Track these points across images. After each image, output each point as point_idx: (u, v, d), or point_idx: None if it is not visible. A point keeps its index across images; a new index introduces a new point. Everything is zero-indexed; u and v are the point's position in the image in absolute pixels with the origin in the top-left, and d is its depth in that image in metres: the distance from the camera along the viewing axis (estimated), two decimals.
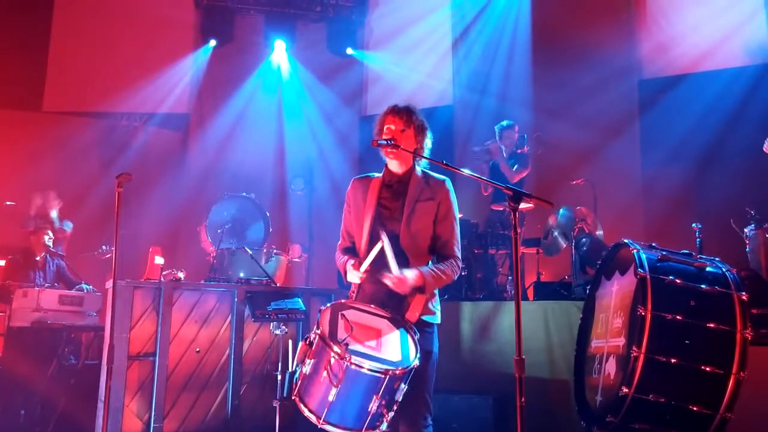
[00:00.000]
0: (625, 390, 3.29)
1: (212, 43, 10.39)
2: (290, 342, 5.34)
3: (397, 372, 2.82)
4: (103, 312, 6.60)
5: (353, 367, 2.76)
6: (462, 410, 5.07)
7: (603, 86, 7.94)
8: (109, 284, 5.39)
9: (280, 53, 10.61)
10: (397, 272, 3.03)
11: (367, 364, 2.78)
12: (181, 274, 5.58)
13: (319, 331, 2.89)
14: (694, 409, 3.26)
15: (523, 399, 2.61)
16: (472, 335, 5.79)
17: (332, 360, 2.80)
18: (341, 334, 2.90)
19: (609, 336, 3.81)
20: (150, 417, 5.14)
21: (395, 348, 2.95)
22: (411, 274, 3.06)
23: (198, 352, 5.41)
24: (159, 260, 5.69)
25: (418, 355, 2.95)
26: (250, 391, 5.61)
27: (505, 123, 7.31)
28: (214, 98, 10.23)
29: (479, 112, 9.09)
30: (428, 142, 3.37)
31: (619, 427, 3.43)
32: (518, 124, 7.35)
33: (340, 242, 3.47)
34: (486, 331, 5.72)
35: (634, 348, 3.29)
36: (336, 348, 2.79)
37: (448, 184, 3.32)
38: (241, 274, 6.19)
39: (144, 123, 10.83)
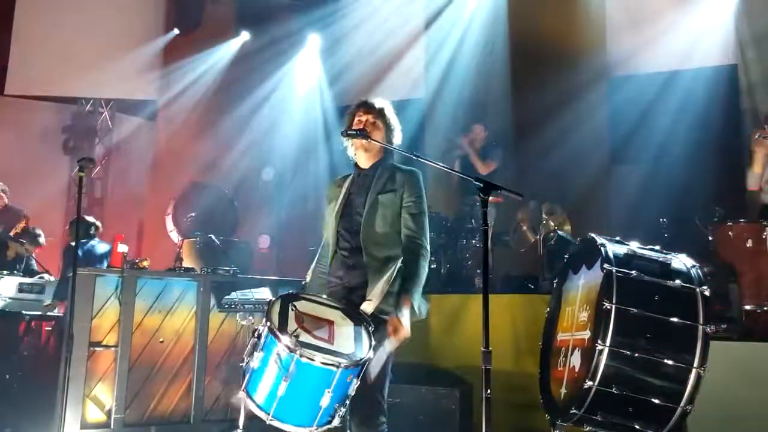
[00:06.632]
0: (590, 383, 3.31)
1: (181, 29, 10.19)
2: None
3: (350, 364, 2.70)
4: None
5: (304, 360, 2.64)
6: (428, 402, 5.06)
7: (573, 81, 7.97)
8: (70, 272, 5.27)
9: (249, 39, 10.43)
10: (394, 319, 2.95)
11: (319, 357, 2.66)
12: (145, 263, 5.48)
13: (267, 324, 2.76)
14: (656, 401, 3.29)
15: (488, 391, 2.61)
16: (439, 327, 5.79)
17: (282, 353, 2.67)
18: (291, 325, 2.79)
19: (575, 329, 3.83)
20: (112, 407, 5.05)
21: (348, 340, 2.84)
22: (405, 317, 2.98)
23: (162, 342, 5.33)
24: (122, 248, 5.58)
25: (372, 347, 2.83)
26: (215, 382, 5.54)
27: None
28: (183, 85, 10.06)
29: (451, 104, 9.06)
30: (398, 140, 3.31)
31: (582, 419, 3.46)
32: (489, 118, 7.36)
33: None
34: (453, 324, 5.73)
35: (599, 341, 3.31)
36: (286, 340, 2.67)
37: (415, 175, 3.25)
38: (208, 264, 6.11)
39: (111, 109, 10.64)
